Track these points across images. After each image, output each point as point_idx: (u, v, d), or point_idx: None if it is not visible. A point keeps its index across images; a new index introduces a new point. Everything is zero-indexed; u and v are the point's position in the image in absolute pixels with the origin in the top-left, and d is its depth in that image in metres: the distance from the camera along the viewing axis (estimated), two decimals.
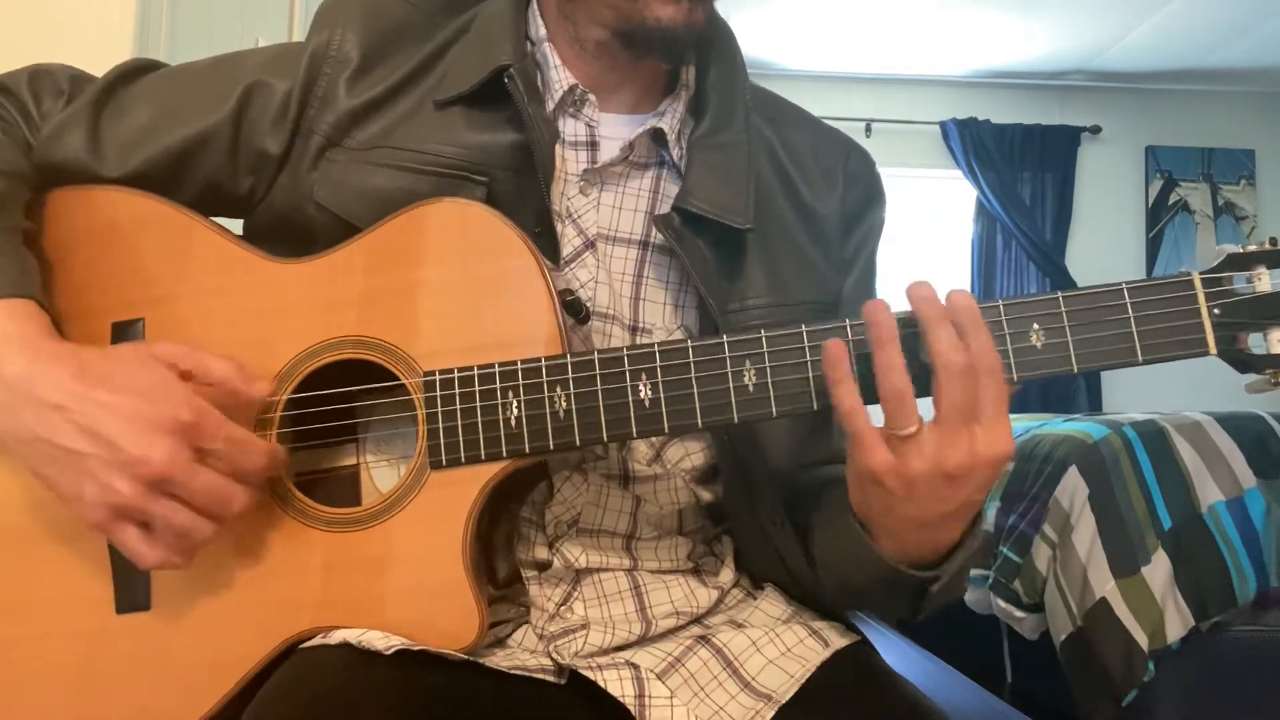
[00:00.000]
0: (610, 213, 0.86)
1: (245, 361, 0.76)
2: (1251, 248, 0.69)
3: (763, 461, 0.84)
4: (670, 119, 0.88)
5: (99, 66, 0.89)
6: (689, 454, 0.85)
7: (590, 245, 0.84)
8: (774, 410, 0.71)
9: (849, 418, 0.68)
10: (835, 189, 0.94)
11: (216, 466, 0.71)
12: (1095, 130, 5.32)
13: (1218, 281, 0.68)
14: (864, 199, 0.95)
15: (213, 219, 0.84)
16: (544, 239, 0.79)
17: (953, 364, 0.66)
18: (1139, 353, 0.68)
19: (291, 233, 0.84)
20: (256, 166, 0.86)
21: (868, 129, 5.07)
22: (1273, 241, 0.69)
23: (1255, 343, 0.69)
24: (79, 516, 0.70)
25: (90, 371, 0.70)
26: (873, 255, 0.97)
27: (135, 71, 0.88)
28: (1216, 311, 0.68)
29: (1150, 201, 5.29)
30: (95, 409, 0.69)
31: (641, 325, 0.84)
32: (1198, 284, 0.68)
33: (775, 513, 0.85)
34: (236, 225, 0.88)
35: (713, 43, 0.90)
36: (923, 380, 0.68)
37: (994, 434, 0.66)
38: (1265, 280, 0.68)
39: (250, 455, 0.72)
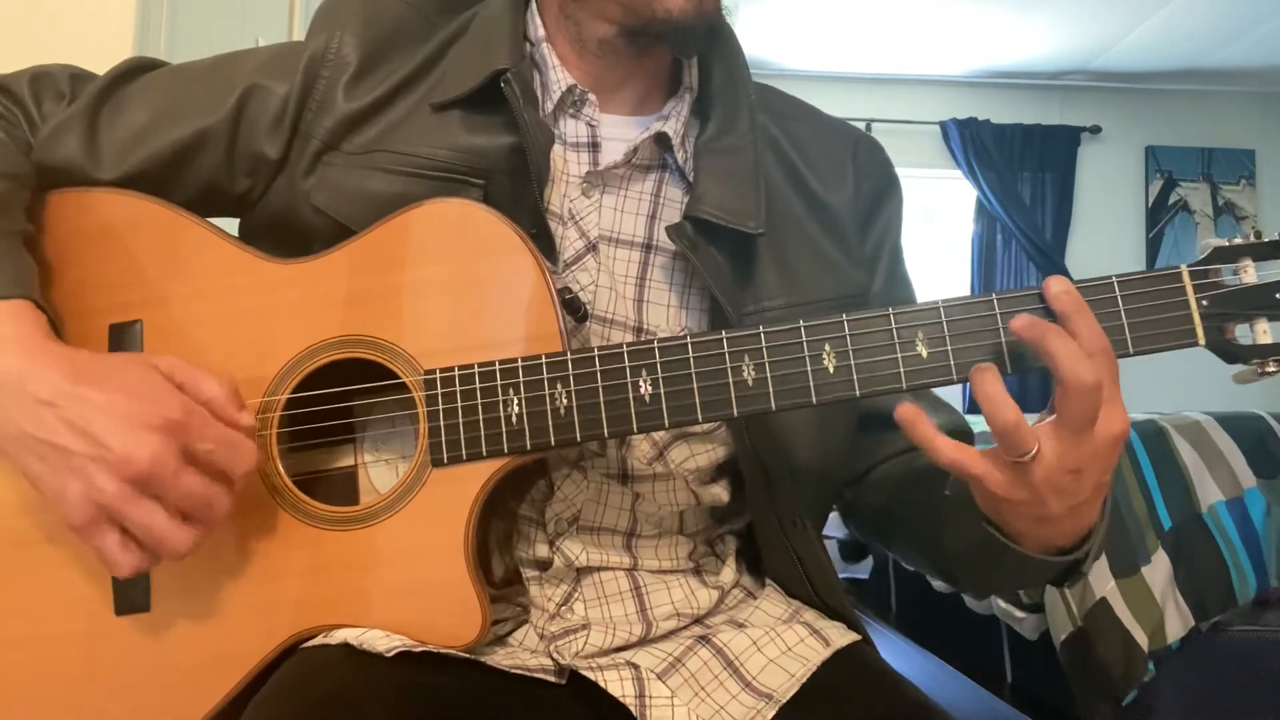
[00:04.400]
0: (612, 215, 0.86)
1: (240, 378, 0.76)
2: (1237, 240, 0.70)
3: (785, 461, 0.84)
4: (674, 122, 0.87)
5: (99, 66, 0.89)
6: (693, 454, 0.85)
7: (592, 248, 0.84)
8: (773, 404, 0.71)
9: (956, 467, 0.67)
10: (846, 181, 0.93)
11: (205, 467, 0.70)
12: (1095, 130, 5.32)
13: (1205, 274, 0.70)
14: (878, 190, 0.95)
15: (209, 220, 0.84)
16: (540, 241, 0.79)
17: (1083, 381, 0.64)
18: (1129, 344, 0.69)
19: (288, 234, 0.84)
20: (253, 169, 0.86)
21: (868, 129, 5.06)
22: (1258, 235, 0.70)
23: (1242, 333, 0.70)
24: (63, 517, 0.69)
25: (83, 371, 0.70)
26: (896, 244, 0.96)
27: (134, 71, 0.88)
28: (1204, 303, 0.69)
29: (1150, 201, 5.30)
30: (85, 407, 0.68)
31: (646, 328, 0.84)
32: (1186, 277, 0.69)
33: (795, 513, 0.85)
34: (231, 226, 0.88)
35: (716, 42, 0.90)
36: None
37: (1112, 416, 0.65)
38: (1251, 272, 0.69)
39: (240, 457, 0.72)
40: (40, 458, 0.69)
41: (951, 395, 4.06)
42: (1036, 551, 0.72)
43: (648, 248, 0.86)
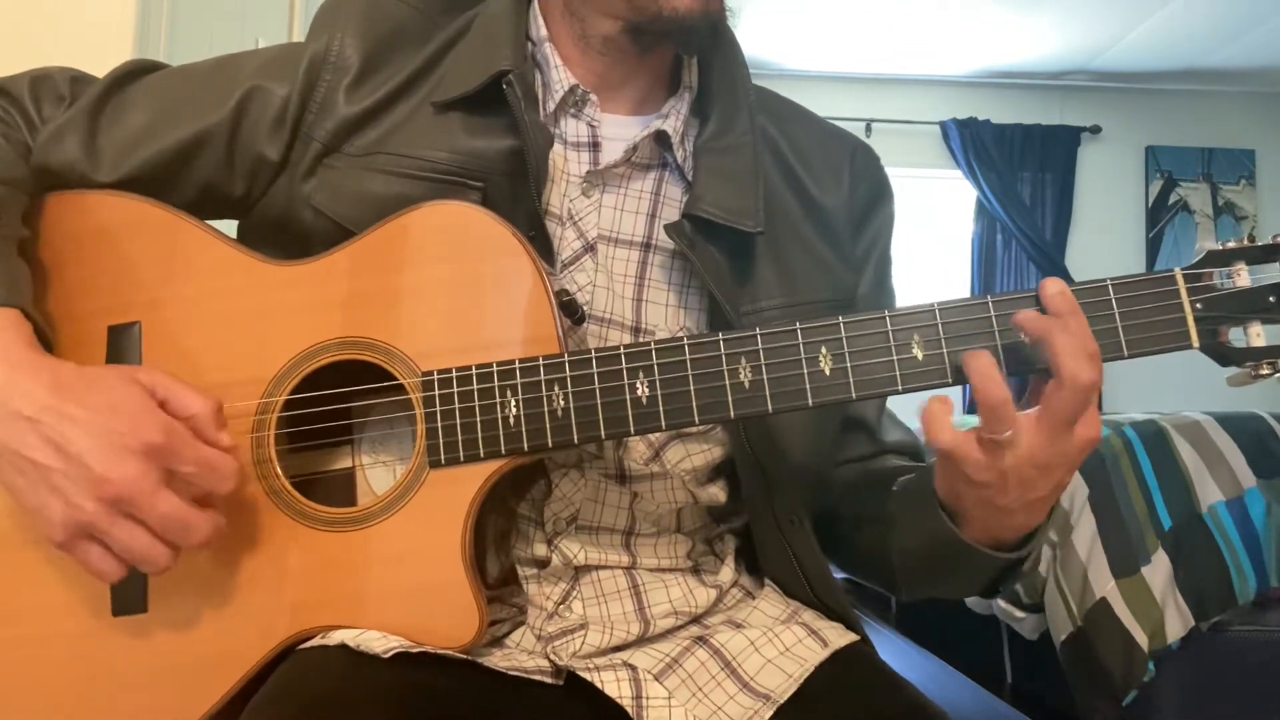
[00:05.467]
0: (612, 214, 0.86)
1: (238, 379, 0.76)
2: (1230, 244, 0.71)
3: (781, 461, 0.85)
4: (674, 120, 0.88)
5: (99, 66, 0.89)
6: (689, 455, 0.85)
7: (590, 248, 0.84)
8: (770, 407, 0.72)
9: (951, 450, 0.68)
10: (842, 185, 0.94)
11: (185, 488, 0.70)
12: (1095, 130, 5.32)
13: (1199, 277, 0.70)
14: (872, 196, 0.95)
15: (207, 221, 0.84)
16: (538, 242, 0.79)
17: (1081, 379, 0.65)
18: (1124, 347, 0.70)
19: (286, 235, 0.84)
20: (253, 171, 0.86)
21: (868, 129, 5.07)
22: (1251, 239, 0.71)
23: (1236, 336, 0.70)
24: (44, 532, 0.69)
25: (66, 387, 0.70)
26: (886, 251, 0.97)
27: (134, 74, 0.88)
28: (1199, 306, 0.70)
29: (1150, 201, 5.30)
30: (66, 424, 0.68)
31: (644, 327, 0.84)
32: (1180, 280, 0.70)
33: (793, 512, 0.85)
34: (230, 227, 0.88)
35: (716, 42, 0.90)
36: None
37: (1089, 421, 0.67)
38: (1244, 276, 0.70)
39: (221, 478, 0.72)
40: (20, 472, 0.69)
41: (951, 396, 4.06)
42: (980, 544, 0.73)
43: (647, 246, 0.86)
